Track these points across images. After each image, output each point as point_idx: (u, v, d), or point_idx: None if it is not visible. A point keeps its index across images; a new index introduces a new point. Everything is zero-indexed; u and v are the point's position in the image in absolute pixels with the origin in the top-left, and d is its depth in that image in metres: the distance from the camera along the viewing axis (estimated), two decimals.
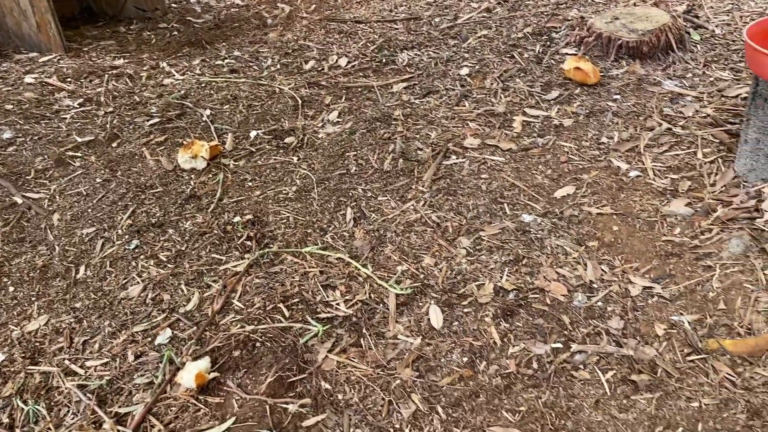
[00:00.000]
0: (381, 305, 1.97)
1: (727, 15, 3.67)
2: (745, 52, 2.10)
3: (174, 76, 3.56)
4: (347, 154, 2.74)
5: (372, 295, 2.00)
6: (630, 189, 2.34)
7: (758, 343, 1.66)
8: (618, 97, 2.97)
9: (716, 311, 1.79)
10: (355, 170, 2.63)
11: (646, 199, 2.25)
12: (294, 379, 1.74)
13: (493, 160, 2.61)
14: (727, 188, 2.23)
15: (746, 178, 2.24)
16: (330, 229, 2.31)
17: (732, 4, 3.79)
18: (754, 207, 2.08)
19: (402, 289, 2.00)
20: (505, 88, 3.13)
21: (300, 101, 3.18)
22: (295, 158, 2.75)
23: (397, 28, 3.94)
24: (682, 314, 1.80)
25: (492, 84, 3.18)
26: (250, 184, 2.62)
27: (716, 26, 3.55)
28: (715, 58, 3.23)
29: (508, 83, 3.17)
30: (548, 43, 3.52)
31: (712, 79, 3.05)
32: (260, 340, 1.86)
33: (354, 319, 1.92)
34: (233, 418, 1.65)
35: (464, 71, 3.33)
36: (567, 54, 3.38)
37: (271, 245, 2.25)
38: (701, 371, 1.64)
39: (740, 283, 1.85)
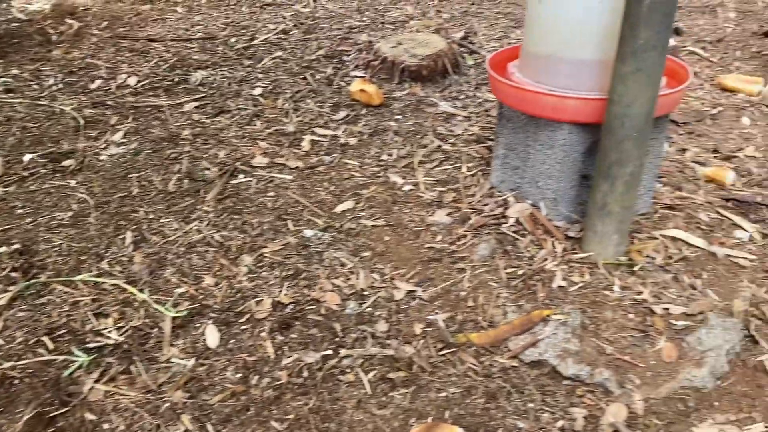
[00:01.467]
0: (156, 329, 1.95)
1: (498, 42, 4.11)
2: (489, 80, 2.38)
3: None
4: (130, 176, 2.67)
5: (147, 320, 1.98)
6: (403, 202, 2.53)
7: (497, 333, 1.89)
8: (399, 117, 3.21)
9: (466, 308, 2.01)
10: (138, 192, 2.57)
11: (415, 211, 2.46)
12: (55, 413, 1.67)
13: (280, 177, 2.69)
14: (483, 198, 2.51)
15: (499, 189, 2.53)
16: (107, 255, 2.24)
17: (502, 33, 4.25)
18: (501, 214, 2.36)
19: (178, 312, 2.00)
20: (297, 108, 3.24)
21: (83, 122, 3.04)
22: (73, 182, 2.62)
23: (192, 48, 3.91)
24: (437, 313, 1.99)
25: (284, 104, 3.27)
26: (20, 211, 2.46)
27: (488, 52, 3.95)
28: (485, 81, 3.60)
29: (300, 103, 3.28)
30: (339, 65, 3.70)
31: (481, 100, 3.40)
32: (19, 376, 1.76)
33: (126, 346, 1.88)
34: None
35: (257, 91, 3.39)
36: (356, 76, 3.58)
37: (40, 275, 2.13)
38: (450, 363, 1.83)
39: (486, 282, 2.09)
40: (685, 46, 3.94)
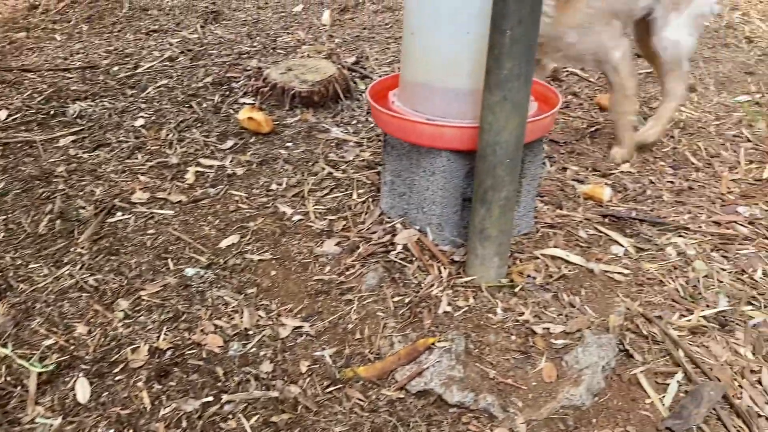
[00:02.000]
0: (19, 388, 1.80)
1: (389, 67, 4.15)
2: (370, 108, 2.38)
3: None
4: None
5: (9, 378, 1.83)
6: (292, 233, 2.48)
7: (384, 365, 1.87)
8: (290, 144, 3.17)
9: (353, 341, 1.98)
10: (4, 237, 2.40)
11: (304, 242, 2.42)
12: None
13: (161, 213, 2.58)
14: (372, 225, 2.50)
15: (389, 215, 2.53)
16: None
17: (393, 57, 4.30)
18: (389, 241, 2.36)
19: (45, 366, 1.86)
20: (181, 138, 3.14)
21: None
22: None
23: (70, 78, 3.71)
24: (324, 349, 1.96)
25: (168, 135, 3.16)
26: None
27: (379, 77, 3.98)
28: None
29: (185, 134, 3.18)
30: (228, 92, 3.62)
31: (373, 125, 3.41)
32: None
33: None
34: None
35: (140, 122, 3.26)
36: (245, 103, 3.51)
37: None
38: (337, 401, 1.80)
39: (374, 313, 2.07)
40: (565, 67, 4.13)
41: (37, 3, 4.83)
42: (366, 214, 2.59)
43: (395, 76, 2.50)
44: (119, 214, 2.56)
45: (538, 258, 2.33)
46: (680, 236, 2.55)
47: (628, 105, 2.95)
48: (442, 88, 2.15)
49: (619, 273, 2.30)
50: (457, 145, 2.13)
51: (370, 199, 2.69)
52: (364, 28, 4.75)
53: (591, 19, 2.64)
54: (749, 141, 3.31)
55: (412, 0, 2.14)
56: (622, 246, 2.46)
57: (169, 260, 2.32)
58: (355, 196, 2.72)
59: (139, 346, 1.95)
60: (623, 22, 2.82)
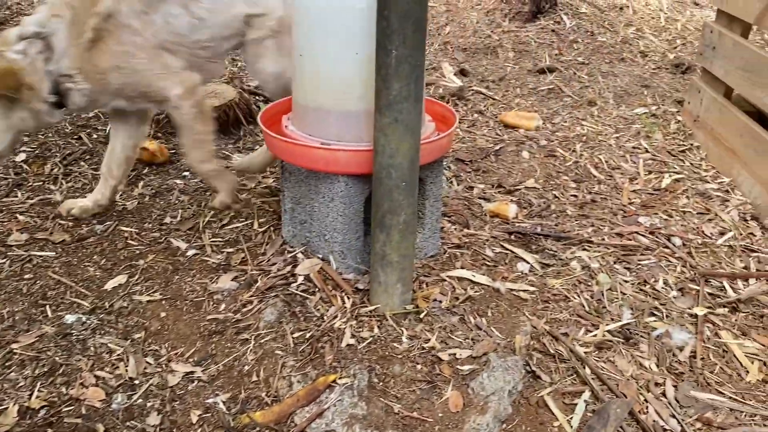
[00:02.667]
0: None
1: None
2: (262, 134, 2.28)
3: None
4: None
5: None
6: (186, 269, 2.33)
7: (282, 409, 1.75)
8: (187, 174, 3.00)
9: (250, 384, 1.85)
10: None
11: (198, 279, 2.27)
12: None
13: (41, 256, 2.36)
14: (273, 256, 2.38)
15: (291, 244, 2.42)
16: None
17: None
18: (290, 272, 2.25)
19: None
20: (67, 173, 2.92)
21: None
22: None
23: None
24: (218, 395, 1.81)
25: (53, 169, 2.94)
26: None
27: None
28: None
29: (72, 167, 2.96)
30: None
31: None
32: None
33: None
34: None
35: (21, 157, 3.01)
36: None
37: None
38: None
39: (272, 351, 1.94)
40: (471, 86, 4.16)
41: None
42: (267, 244, 2.47)
43: (287, 100, 2.40)
44: None
45: (444, 280, 2.27)
46: (584, 250, 2.56)
47: (201, 152, 2.44)
48: (335, 111, 2.07)
49: (524, 291, 2.27)
50: (354, 169, 2.05)
51: (272, 228, 2.56)
52: None
53: (126, 57, 2.26)
54: (647, 152, 3.41)
55: (299, 21, 2.06)
56: (528, 263, 2.44)
57: (48, 307, 2.12)
58: (256, 226, 2.59)
59: (7, 407, 1.75)
60: (186, 57, 2.38)
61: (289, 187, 2.35)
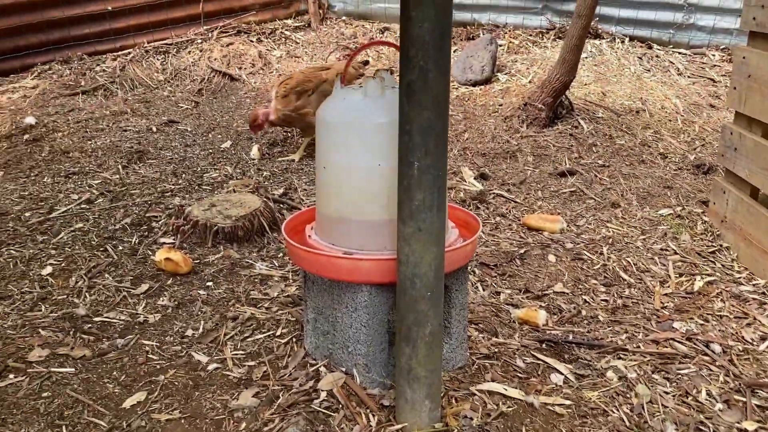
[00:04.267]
0: None
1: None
2: (286, 247, 2.27)
3: None
4: None
5: None
6: (206, 385, 2.26)
7: None
8: (210, 284, 2.99)
9: None
10: None
11: (219, 395, 2.19)
12: None
13: (60, 372, 2.32)
14: (295, 370, 2.30)
15: (314, 356, 2.35)
16: None
17: None
18: (312, 388, 2.17)
19: None
20: (91, 285, 2.92)
21: None
22: None
23: None
24: None
25: (77, 282, 2.95)
26: None
27: (307, 207, 3.92)
28: None
29: (96, 280, 2.97)
30: (147, 233, 3.47)
31: None
32: None
33: None
34: None
35: (47, 270, 3.04)
36: (165, 243, 3.36)
37: None
38: None
39: None
40: (492, 190, 4.18)
41: None
42: (289, 356, 2.40)
43: (310, 210, 2.42)
44: (11, 376, 2.29)
45: (474, 395, 2.16)
46: (620, 358, 2.45)
47: None
48: (358, 221, 2.06)
49: (560, 405, 2.16)
50: (378, 278, 2.02)
51: (294, 339, 2.51)
52: (292, 161, 4.76)
53: None
54: (676, 254, 3.34)
55: (322, 135, 2.11)
56: (562, 374, 2.34)
57: (64, 428, 2.05)
58: (278, 337, 2.54)
59: None
60: None
61: (311, 297, 2.31)
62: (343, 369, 2.23)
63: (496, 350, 2.47)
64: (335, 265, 2.04)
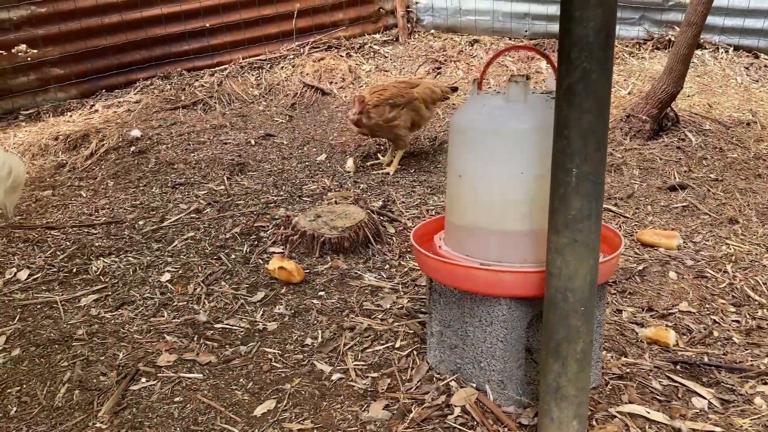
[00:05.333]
0: None
1: (417, 209, 4.08)
2: (414, 252, 2.23)
3: None
4: (8, 391, 2.26)
5: None
6: (332, 395, 2.24)
7: None
8: (323, 293, 2.99)
9: None
10: (16, 411, 2.16)
11: (347, 406, 2.16)
12: None
13: (189, 378, 2.35)
14: (421, 383, 2.25)
15: (438, 370, 2.29)
16: None
17: (420, 199, 4.24)
18: (445, 402, 2.10)
19: None
20: (210, 293, 2.97)
21: None
22: None
23: (95, 233, 3.63)
24: None
25: (195, 289, 3.00)
26: None
27: (408, 219, 3.89)
28: (409, 249, 3.48)
29: (213, 287, 3.02)
30: (256, 242, 3.51)
31: (406, 269, 3.25)
32: None
33: None
34: None
35: (166, 277, 3.11)
36: (274, 253, 3.39)
37: None
38: None
39: None
40: None
41: (64, 161, 4.90)
42: (412, 369, 2.36)
43: (438, 219, 2.37)
44: (143, 380, 2.33)
45: (615, 416, 2.05)
46: (765, 383, 2.27)
47: None
48: (497, 232, 2.00)
49: (709, 431, 2.01)
50: (519, 291, 1.95)
51: (415, 353, 2.46)
52: (387, 173, 4.75)
53: None
54: None
55: (458, 143, 2.06)
56: (704, 398, 2.19)
57: None
58: (398, 349, 2.49)
59: None
60: None
61: (437, 309, 2.26)
62: (474, 384, 2.16)
63: (628, 371, 2.35)
64: (473, 276, 1.98)
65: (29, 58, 5.69)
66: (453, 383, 2.18)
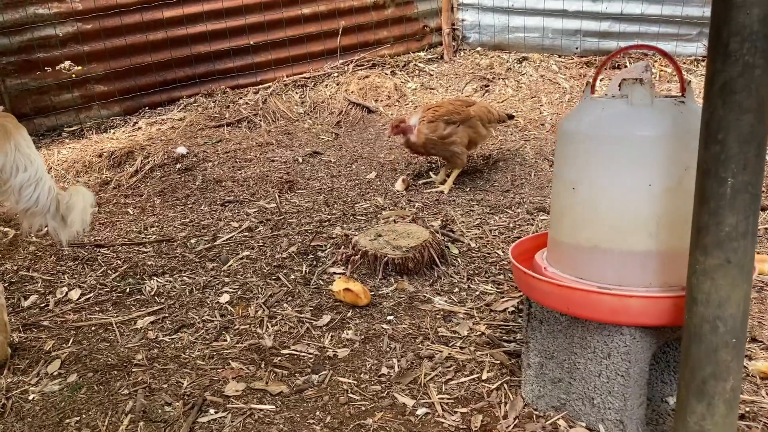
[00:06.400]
0: None
1: (478, 229, 3.86)
2: (513, 273, 2.02)
3: None
4: (67, 421, 2.07)
5: None
6: None
7: None
8: (392, 318, 2.78)
9: None
10: None
11: None
12: None
13: (261, 410, 2.14)
14: (520, 420, 2.02)
15: (536, 406, 2.06)
16: None
17: (480, 219, 4.03)
18: None
19: None
20: (272, 315, 2.78)
21: (9, 351, 2.46)
22: None
23: (146, 252, 3.47)
24: None
25: (257, 311, 2.81)
26: None
27: (470, 239, 3.67)
28: (476, 271, 3.27)
29: (275, 309, 2.82)
30: (315, 262, 3.32)
31: (477, 293, 3.03)
32: None
33: None
34: None
35: (224, 298, 2.93)
36: (335, 273, 3.19)
37: None
38: None
39: None
40: None
41: (108, 179, 4.79)
42: (505, 404, 2.12)
43: (536, 237, 2.16)
44: (212, 411, 2.13)
45: None
46: None
47: None
48: (617, 251, 1.78)
49: None
50: (647, 319, 1.72)
51: (506, 386, 2.23)
52: (442, 192, 4.54)
53: None
54: None
55: (571, 153, 1.85)
56: None
57: None
58: (485, 382, 2.26)
59: None
60: None
61: (537, 338, 2.03)
62: (583, 424, 1.92)
63: (748, 409, 2.09)
64: (595, 302, 1.76)
65: (74, 75, 5.63)
66: (561, 422, 1.94)
